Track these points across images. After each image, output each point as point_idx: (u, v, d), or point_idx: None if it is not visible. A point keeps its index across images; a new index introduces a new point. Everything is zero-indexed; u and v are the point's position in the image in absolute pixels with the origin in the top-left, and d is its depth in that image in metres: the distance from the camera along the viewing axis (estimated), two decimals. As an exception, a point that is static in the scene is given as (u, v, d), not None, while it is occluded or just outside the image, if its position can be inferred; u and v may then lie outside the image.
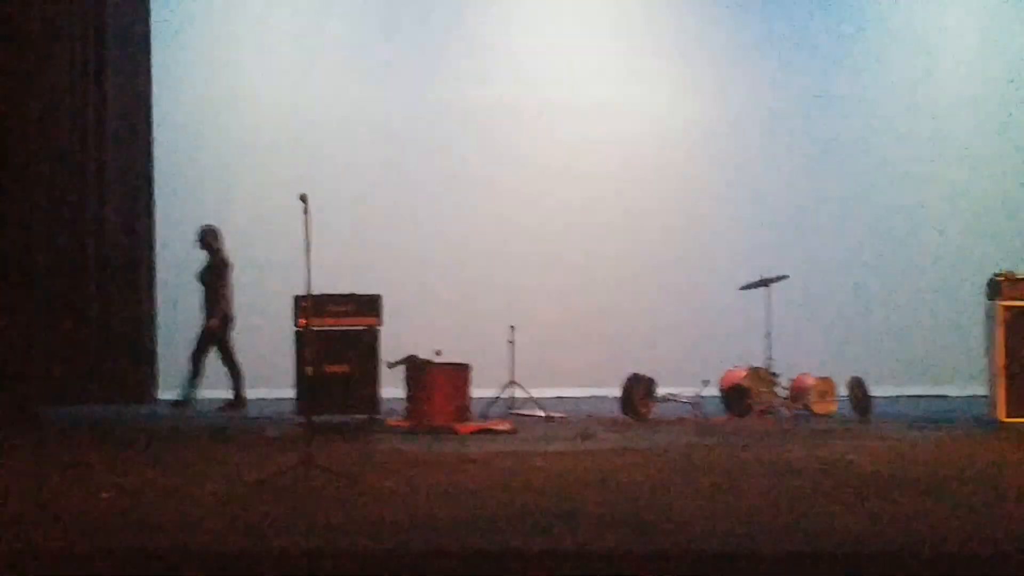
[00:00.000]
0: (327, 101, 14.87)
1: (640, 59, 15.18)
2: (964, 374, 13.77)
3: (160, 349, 14.27)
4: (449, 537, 6.21)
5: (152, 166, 14.31)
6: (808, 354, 13.29)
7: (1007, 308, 11.25)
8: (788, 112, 15.14)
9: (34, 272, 13.42)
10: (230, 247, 13.48)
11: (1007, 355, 11.21)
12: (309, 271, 8.24)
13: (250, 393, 13.94)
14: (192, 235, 13.18)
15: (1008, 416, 11.19)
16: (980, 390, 12.01)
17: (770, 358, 12.34)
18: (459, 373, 11.58)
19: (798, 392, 12.45)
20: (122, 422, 12.33)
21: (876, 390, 12.51)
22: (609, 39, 15.19)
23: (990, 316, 11.50)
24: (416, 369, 11.56)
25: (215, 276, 12.98)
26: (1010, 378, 11.20)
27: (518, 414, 12.42)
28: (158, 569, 5.73)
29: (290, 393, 11.65)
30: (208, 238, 13.02)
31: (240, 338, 14.18)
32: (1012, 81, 15.17)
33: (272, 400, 13.46)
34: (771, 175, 15.05)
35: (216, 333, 13.01)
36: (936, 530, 6.36)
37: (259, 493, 7.57)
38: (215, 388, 14.06)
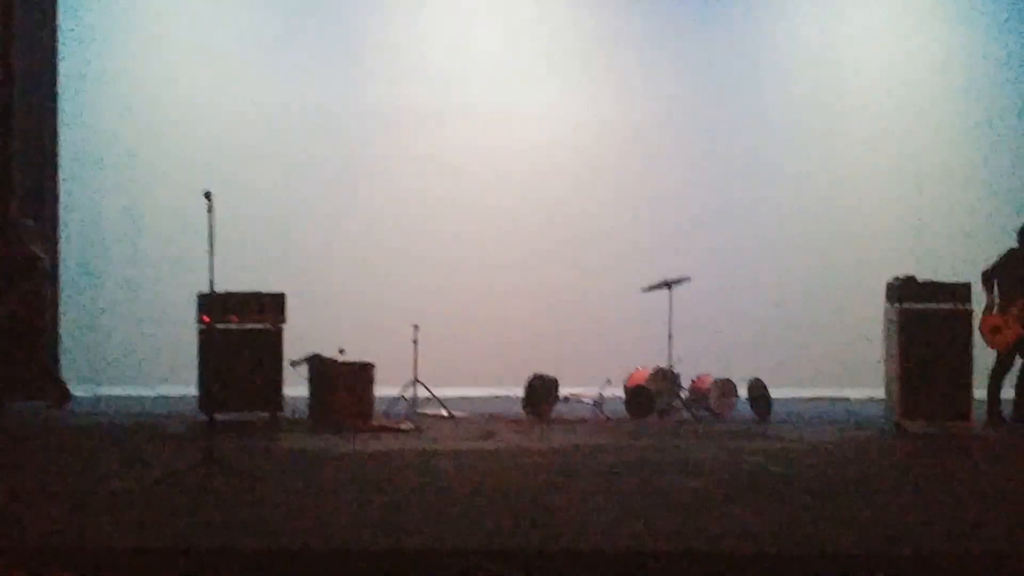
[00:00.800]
0: (232, 98, 14.70)
1: (537, 62, 15.16)
2: (863, 377, 13.93)
3: (64, 346, 14.07)
4: (348, 536, 6.22)
5: (57, 162, 14.08)
6: (709, 355, 13.39)
7: (905, 311, 11.41)
8: (688, 114, 15.20)
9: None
10: (136, 243, 13.42)
11: (904, 358, 11.38)
12: (212, 269, 8.21)
13: (152, 390, 13.86)
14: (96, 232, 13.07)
15: (904, 418, 11.36)
16: (879, 393, 12.18)
17: (678, 359, 12.45)
18: (362, 372, 11.56)
19: (698, 393, 12.57)
20: (23, 419, 12.15)
21: (776, 392, 12.66)
22: (505, 42, 15.19)
23: (889, 319, 11.67)
24: (319, 368, 11.54)
25: (25, 274, 12.61)
26: (907, 381, 11.36)
27: (421, 413, 12.42)
28: (56, 568, 5.69)
29: (192, 391, 11.56)
30: (19, 235, 12.68)
31: (143, 335, 14.12)
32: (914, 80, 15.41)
33: (174, 398, 13.34)
34: (672, 177, 15.11)
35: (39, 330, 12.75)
36: (830, 530, 6.47)
37: (160, 491, 7.53)
38: (119, 384, 14.03)
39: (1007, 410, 11.80)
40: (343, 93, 14.81)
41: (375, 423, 11.38)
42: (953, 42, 15.40)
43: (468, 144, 14.88)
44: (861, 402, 14.04)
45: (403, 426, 11.28)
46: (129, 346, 14.30)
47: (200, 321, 11.32)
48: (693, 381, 12.70)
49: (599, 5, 15.30)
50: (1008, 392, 11.95)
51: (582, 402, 12.66)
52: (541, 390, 12.34)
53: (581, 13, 15.25)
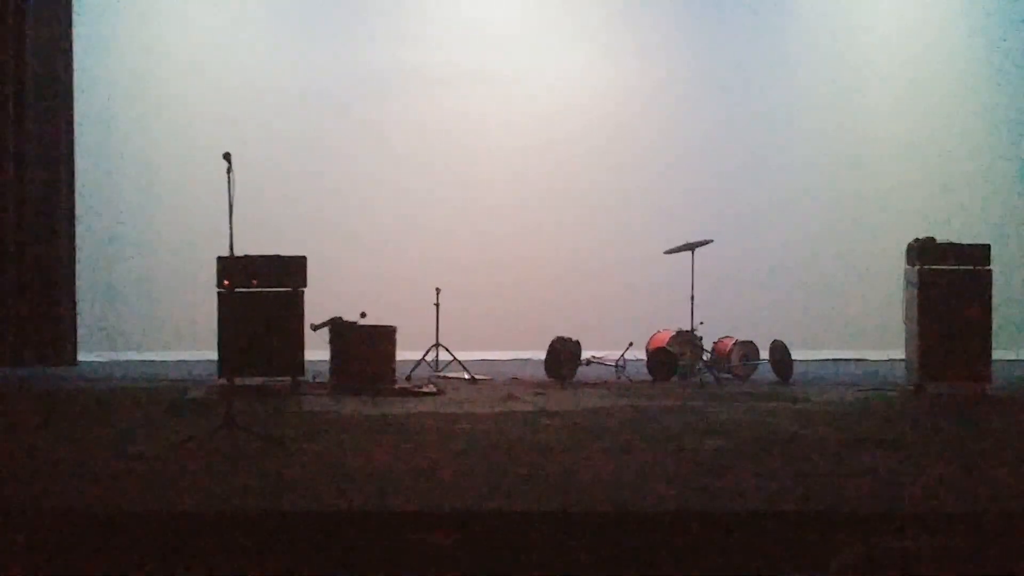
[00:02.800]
0: (252, 62, 14.67)
1: (560, 24, 15.13)
2: (883, 338, 13.92)
3: (82, 311, 14.07)
4: (371, 498, 6.22)
5: (73, 126, 14.02)
6: (731, 317, 13.40)
7: (925, 272, 11.39)
8: (711, 77, 15.19)
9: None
10: (154, 206, 13.51)
11: (924, 319, 11.36)
12: (232, 232, 8.19)
13: (172, 355, 13.89)
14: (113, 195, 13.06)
15: (924, 379, 11.34)
16: (899, 354, 12.15)
17: (701, 322, 12.44)
18: (384, 335, 11.56)
19: (720, 355, 12.57)
20: (42, 385, 12.18)
21: (797, 353, 12.66)
22: (526, 5, 15.14)
23: (909, 281, 11.64)
24: (341, 331, 11.53)
25: None
26: (927, 342, 11.35)
27: (443, 376, 12.44)
28: (79, 530, 5.71)
29: (212, 355, 11.55)
30: None
31: (163, 299, 14.14)
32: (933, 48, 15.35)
33: (194, 362, 13.36)
34: (694, 140, 15.11)
35: None
36: (850, 490, 6.47)
37: (181, 454, 7.55)
38: (138, 350, 14.06)
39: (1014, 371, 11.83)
40: (369, 57, 14.77)
41: (397, 386, 11.39)
42: (979, 5, 15.37)
43: (490, 109, 14.87)
44: (881, 363, 14.06)
45: (425, 389, 11.29)
46: (148, 311, 14.33)
47: (220, 285, 11.29)
48: (715, 343, 12.69)
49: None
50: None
51: (604, 365, 12.66)
52: (563, 353, 12.34)
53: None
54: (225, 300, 11.08)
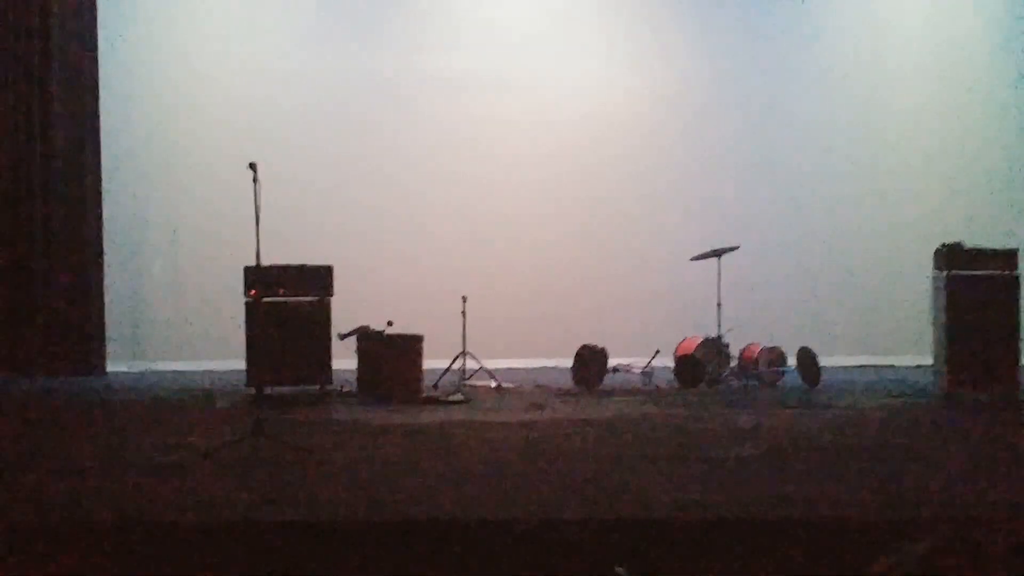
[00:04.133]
0: (275, 72, 14.69)
1: (583, 30, 15.11)
2: (912, 344, 13.86)
3: (110, 321, 14.13)
4: (400, 508, 6.23)
5: (99, 137, 14.09)
6: (758, 324, 13.34)
7: (952, 278, 11.33)
8: (737, 83, 15.15)
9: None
10: (181, 216, 13.57)
11: (951, 325, 11.30)
12: (259, 241, 8.22)
13: (200, 365, 13.92)
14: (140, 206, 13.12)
15: (952, 386, 11.28)
16: (927, 360, 12.10)
17: (729, 329, 12.40)
18: (411, 344, 11.57)
19: (748, 361, 12.53)
20: (70, 395, 12.22)
21: (825, 360, 12.60)
22: (552, 10, 15.13)
23: (936, 286, 11.59)
24: (368, 340, 11.54)
25: None
26: (954, 348, 11.29)
27: (470, 384, 12.44)
28: (109, 541, 5.73)
29: (240, 364, 11.58)
30: None
31: (190, 309, 14.18)
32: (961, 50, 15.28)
33: (222, 371, 13.39)
34: (720, 146, 15.06)
35: None
36: (880, 496, 6.45)
37: (209, 464, 7.57)
38: (166, 359, 14.10)
39: None
40: (396, 62, 14.76)
41: (424, 395, 11.40)
42: (1003, 8, 15.32)
43: (513, 115, 14.85)
44: (909, 369, 13.99)
45: (452, 398, 11.30)
46: (176, 321, 14.36)
47: (247, 295, 11.32)
48: (742, 350, 12.64)
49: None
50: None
51: (631, 372, 12.64)
52: (590, 360, 12.33)
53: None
54: (252, 310, 11.12)
